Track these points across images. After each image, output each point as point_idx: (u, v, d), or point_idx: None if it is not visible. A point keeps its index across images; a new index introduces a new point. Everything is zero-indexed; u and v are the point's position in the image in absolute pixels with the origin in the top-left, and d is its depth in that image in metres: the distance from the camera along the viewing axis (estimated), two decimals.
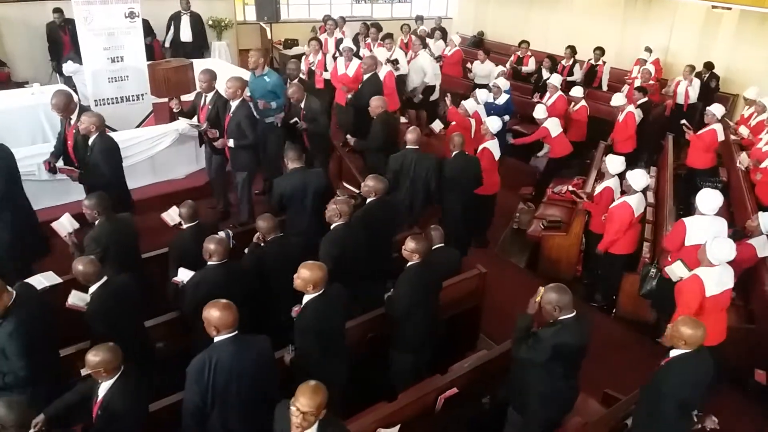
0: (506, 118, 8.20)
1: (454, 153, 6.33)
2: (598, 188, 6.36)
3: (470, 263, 5.52)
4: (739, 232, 5.75)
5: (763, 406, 4.90)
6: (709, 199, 5.15)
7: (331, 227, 4.75)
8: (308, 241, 4.90)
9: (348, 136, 7.22)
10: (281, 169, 6.98)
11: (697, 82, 9.88)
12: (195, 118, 6.44)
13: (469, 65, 10.90)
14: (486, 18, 15.07)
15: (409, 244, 4.30)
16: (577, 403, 4.03)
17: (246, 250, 4.77)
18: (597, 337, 3.79)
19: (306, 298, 3.84)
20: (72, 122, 5.66)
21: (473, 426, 4.39)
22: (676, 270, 4.83)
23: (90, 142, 5.43)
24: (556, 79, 8.91)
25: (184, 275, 4.37)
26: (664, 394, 3.54)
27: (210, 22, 11.96)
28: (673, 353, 3.57)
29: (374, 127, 6.78)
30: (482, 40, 14.48)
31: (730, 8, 10.13)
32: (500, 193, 7.39)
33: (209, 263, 4.19)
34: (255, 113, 6.51)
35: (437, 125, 8.15)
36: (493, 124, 6.94)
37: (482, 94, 8.05)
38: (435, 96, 9.86)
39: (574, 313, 3.66)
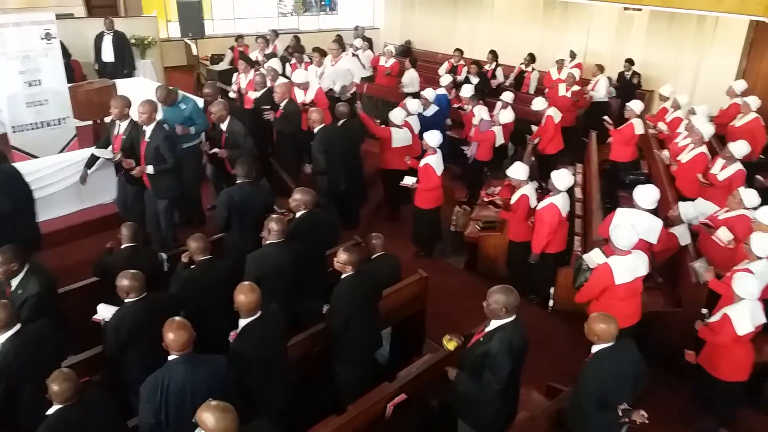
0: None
1: (316, 129, 6.66)
2: (515, 197, 6.36)
3: (411, 268, 5.58)
4: (662, 221, 6.05)
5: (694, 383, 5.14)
6: (646, 193, 5.40)
7: (263, 245, 4.70)
8: (242, 262, 4.81)
9: (306, 166, 7.13)
10: (199, 194, 6.96)
11: (604, 80, 10.32)
12: (109, 149, 6.11)
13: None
14: (412, 27, 15.32)
15: (341, 256, 4.26)
16: (522, 397, 4.12)
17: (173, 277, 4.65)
18: (537, 330, 3.90)
19: (242, 323, 3.77)
20: None
21: (423, 430, 4.42)
22: (594, 257, 5.09)
23: None
24: (467, 91, 9.10)
25: (105, 312, 4.19)
26: (583, 391, 3.65)
27: (133, 41, 11.66)
28: (594, 349, 3.66)
29: (314, 152, 6.78)
30: (410, 48, 14.69)
31: (640, 9, 10.71)
32: None
33: (126, 300, 3.98)
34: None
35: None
36: (433, 139, 6.82)
37: (412, 104, 8.06)
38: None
39: (514, 317, 3.70)
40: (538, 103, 8.65)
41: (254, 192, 5.48)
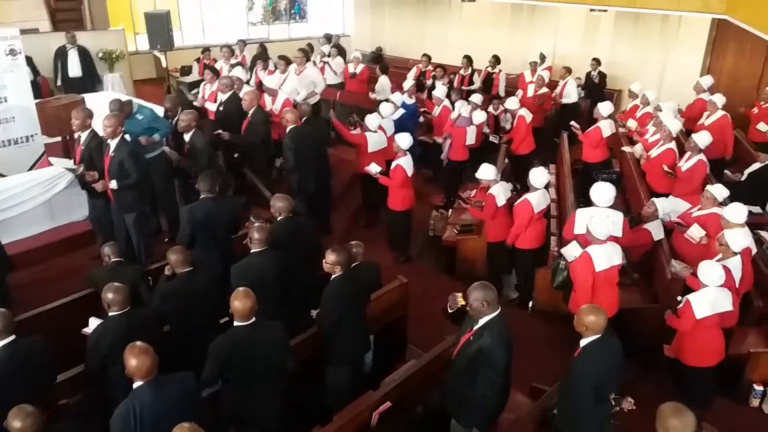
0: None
1: (288, 128, 6.72)
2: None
3: (391, 274, 5.59)
4: (636, 218, 6.16)
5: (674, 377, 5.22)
6: (603, 191, 5.51)
7: (249, 254, 4.71)
8: (219, 274, 4.82)
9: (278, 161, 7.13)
10: (174, 201, 6.89)
11: (573, 82, 10.45)
12: (72, 161, 6.03)
13: None
14: (383, 33, 15.38)
15: (330, 257, 4.33)
16: None
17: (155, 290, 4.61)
18: (518, 331, 3.92)
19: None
20: None
21: None
22: (572, 250, 5.22)
23: None
24: (440, 91, 9.19)
25: (94, 325, 4.12)
26: (579, 383, 3.70)
27: (100, 55, 11.50)
28: (583, 342, 3.75)
29: (285, 149, 6.79)
30: (381, 55, 14.73)
31: (606, 10, 10.92)
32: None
33: (110, 314, 3.94)
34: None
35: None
36: (403, 141, 6.92)
37: (386, 109, 8.14)
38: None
39: (499, 310, 3.78)
40: (511, 103, 8.76)
41: (218, 207, 5.35)
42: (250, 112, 7.17)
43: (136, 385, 3.24)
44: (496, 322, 3.74)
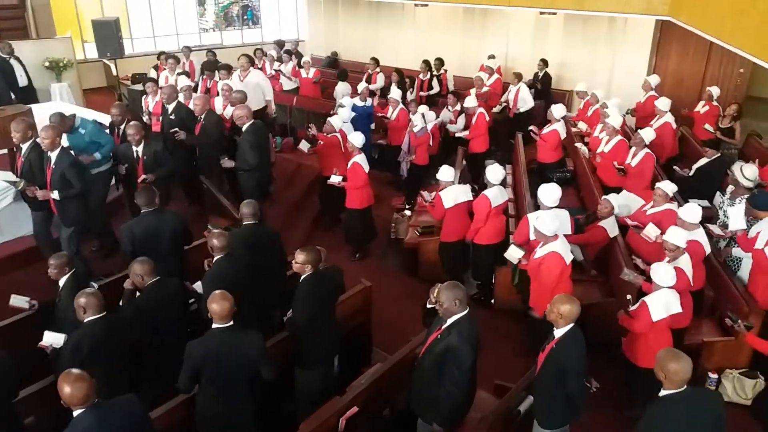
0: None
1: (245, 126, 6.71)
2: (434, 195, 6.69)
3: (354, 277, 5.58)
4: (591, 216, 6.31)
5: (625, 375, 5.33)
6: (549, 192, 5.63)
7: (213, 261, 4.67)
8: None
9: (223, 159, 6.98)
10: (106, 220, 6.76)
11: (525, 88, 10.54)
12: (14, 173, 5.84)
13: None
14: (337, 38, 15.35)
15: (299, 257, 4.34)
16: None
17: (120, 302, 4.51)
18: (481, 329, 3.96)
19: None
20: None
21: None
22: (513, 253, 5.35)
23: None
24: (396, 93, 9.26)
25: (51, 338, 4.02)
26: (564, 371, 3.80)
27: (46, 64, 11.15)
28: (558, 333, 3.85)
29: (245, 148, 6.71)
30: (336, 60, 14.72)
31: (555, 13, 11.18)
32: (374, 206, 7.60)
33: (86, 320, 3.87)
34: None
35: (304, 145, 8.27)
36: (357, 140, 7.09)
37: (345, 113, 8.22)
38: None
39: (467, 309, 3.83)
40: (469, 102, 8.88)
41: (159, 221, 5.21)
42: (202, 116, 7.11)
43: (76, 413, 3.08)
44: (464, 321, 3.79)
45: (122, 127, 6.73)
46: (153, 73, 10.99)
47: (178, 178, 7.14)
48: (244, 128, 6.75)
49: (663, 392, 3.39)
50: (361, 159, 7.08)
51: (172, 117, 7.28)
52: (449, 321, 3.81)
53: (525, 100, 10.45)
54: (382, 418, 4.42)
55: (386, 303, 6.01)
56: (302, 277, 4.38)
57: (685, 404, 3.35)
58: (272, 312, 5.27)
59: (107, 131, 6.93)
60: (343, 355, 4.94)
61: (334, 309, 4.68)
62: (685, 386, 3.36)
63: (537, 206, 6.80)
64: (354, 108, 8.90)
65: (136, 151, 6.28)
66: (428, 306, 4.13)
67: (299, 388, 4.50)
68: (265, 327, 4.69)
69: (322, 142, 7.70)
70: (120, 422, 3.17)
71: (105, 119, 7.26)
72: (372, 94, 10.01)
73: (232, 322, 3.79)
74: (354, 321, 5.35)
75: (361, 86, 9.50)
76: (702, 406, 3.43)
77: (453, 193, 6.45)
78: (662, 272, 4.60)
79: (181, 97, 7.72)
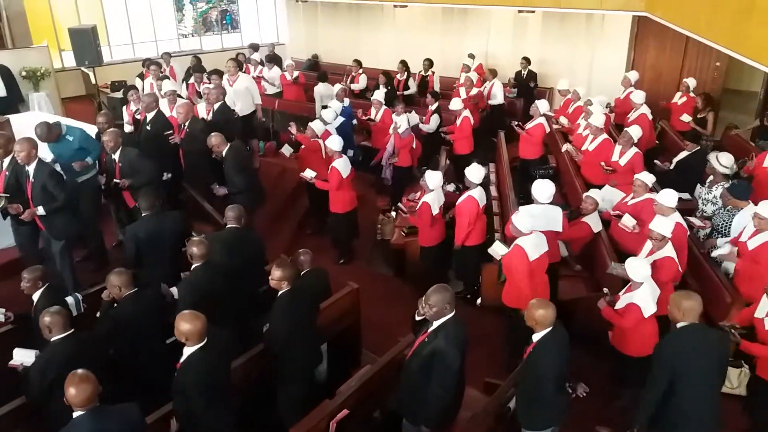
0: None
1: (224, 151, 6.56)
2: (419, 203, 6.55)
3: (341, 280, 5.58)
4: (575, 212, 6.36)
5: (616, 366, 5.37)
6: (543, 188, 5.66)
7: (191, 269, 4.61)
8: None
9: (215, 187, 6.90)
10: (98, 228, 6.70)
11: (499, 84, 10.64)
12: None
13: None
14: (317, 41, 15.35)
15: (275, 273, 4.25)
16: None
17: (98, 314, 4.45)
18: (468, 328, 3.97)
19: (187, 351, 3.66)
20: None
21: None
22: (497, 249, 5.31)
23: None
24: (379, 95, 9.25)
25: (21, 356, 3.94)
26: (540, 377, 3.81)
27: (23, 73, 11.01)
28: (536, 337, 3.87)
29: (230, 173, 6.63)
30: (317, 62, 14.70)
31: (533, 11, 11.26)
32: (359, 208, 7.58)
33: (52, 339, 3.78)
34: (63, 173, 5.89)
35: (287, 150, 8.23)
36: (334, 144, 7.03)
37: (328, 114, 8.15)
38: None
39: (454, 311, 3.84)
40: (455, 104, 8.90)
41: (161, 224, 5.22)
42: (186, 123, 7.04)
43: (76, 414, 3.10)
44: (451, 323, 3.79)
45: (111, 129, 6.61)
46: (138, 82, 10.84)
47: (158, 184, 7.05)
48: (224, 154, 6.57)
49: (679, 325, 3.84)
50: (339, 164, 7.02)
51: (149, 127, 7.18)
52: (436, 324, 3.81)
53: (495, 96, 10.59)
54: (372, 420, 4.42)
55: (374, 304, 6.01)
56: (279, 293, 4.29)
57: (698, 334, 3.82)
58: (252, 319, 5.15)
59: (94, 138, 6.85)
60: (332, 357, 4.94)
61: (315, 319, 4.61)
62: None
63: (521, 204, 6.88)
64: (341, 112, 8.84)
65: (114, 159, 6.19)
66: (417, 318, 4.11)
67: (281, 404, 4.44)
68: (246, 335, 4.66)
69: (303, 145, 7.68)
70: (118, 429, 3.16)
71: (88, 128, 7.15)
72: (354, 95, 10.00)
73: (206, 340, 3.65)
74: (342, 324, 5.34)
75: (337, 87, 9.50)
76: (712, 338, 3.88)
77: (436, 198, 6.43)
78: (638, 267, 4.59)
79: (165, 103, 7.64)
